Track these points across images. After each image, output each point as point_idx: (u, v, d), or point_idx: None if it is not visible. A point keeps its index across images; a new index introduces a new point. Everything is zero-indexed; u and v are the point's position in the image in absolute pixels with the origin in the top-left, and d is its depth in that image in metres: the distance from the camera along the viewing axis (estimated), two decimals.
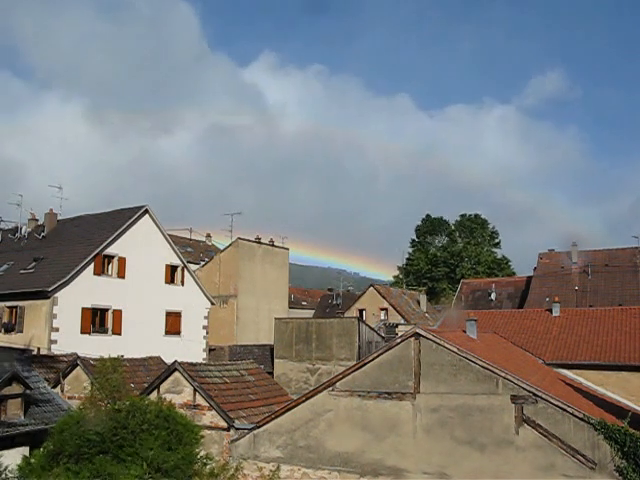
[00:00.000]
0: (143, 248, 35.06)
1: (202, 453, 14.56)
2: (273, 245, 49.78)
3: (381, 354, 16.87)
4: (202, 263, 51.08)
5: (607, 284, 43.04)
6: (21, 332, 31.21)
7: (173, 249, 37.41)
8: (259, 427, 18.09)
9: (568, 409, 14.45)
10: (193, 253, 57.63)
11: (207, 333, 38.61)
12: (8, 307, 32.27)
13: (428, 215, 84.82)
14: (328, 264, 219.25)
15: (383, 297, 58.05)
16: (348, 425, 16.96)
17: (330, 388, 17.35)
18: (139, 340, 31.85)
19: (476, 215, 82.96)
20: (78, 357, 23.22)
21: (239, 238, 46.74)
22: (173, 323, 36.45)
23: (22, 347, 28.67)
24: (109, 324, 32.87)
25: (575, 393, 19.44)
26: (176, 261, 37.38)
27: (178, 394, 19.21)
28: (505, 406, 15.08)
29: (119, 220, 34.90)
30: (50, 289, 30.23)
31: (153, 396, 18.54)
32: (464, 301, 51.01)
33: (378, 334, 32.40)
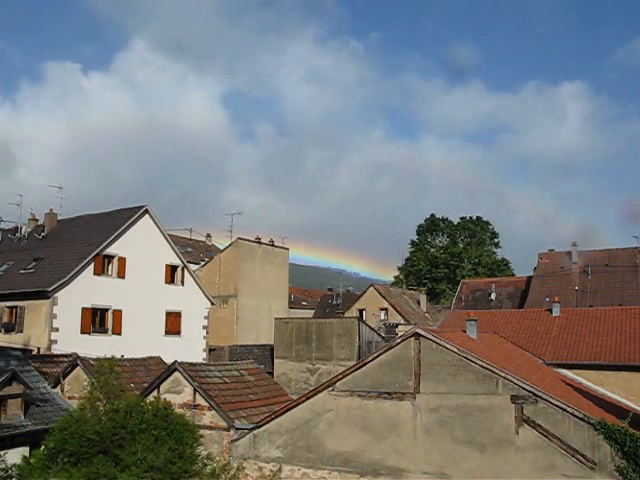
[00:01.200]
0: (143, 248, 35.06)
1: (203, 453, 14.56)
2: (273, 245, 49.78)
3: (381, 354, 16.86)
4: (202, 263, 51.10)
5: (607, 284, 43.07)
6: (21, 332, 31.21)
7: (173, 249, 37.41)
8: (259, 427, 18.09)
9: (568, 409, 14.44)
10: (193, 253, 57.66)
11: (207, 333, 38.61)
12: (8, 307, 32.27)
13: (432, 214, 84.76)
14: (329, 264, 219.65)
15: (383, 297, 58.04)
16: (348, 425, 16.95)
17: (330, 388, 17.35)
18: (139, 340, 31.85)
19: (477, 217, 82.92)
20: (78, 357, 23.20)
21: (239, 238, 46.74)
22: (173, 323, 36.45)
23: (22, 347, 28.73)
24: (109, 324, 32.86)
25: (575, 393, 19.43)
26: (176, 261, 37.38)
27: (178, 394, 19.20)
28: (505, 406, 15.07)
29: (119, 220, 34.90)
30: (50, 289, 30.22)
31: (153, 396, 18.54)
32: (464, 301, 51.05)
33: (378, 334, 32.39)
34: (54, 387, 22.53)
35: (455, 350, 15.88)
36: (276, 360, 30.71)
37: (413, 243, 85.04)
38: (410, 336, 16.48)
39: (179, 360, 19.92)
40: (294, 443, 17.60)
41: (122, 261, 33.99)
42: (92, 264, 32.43)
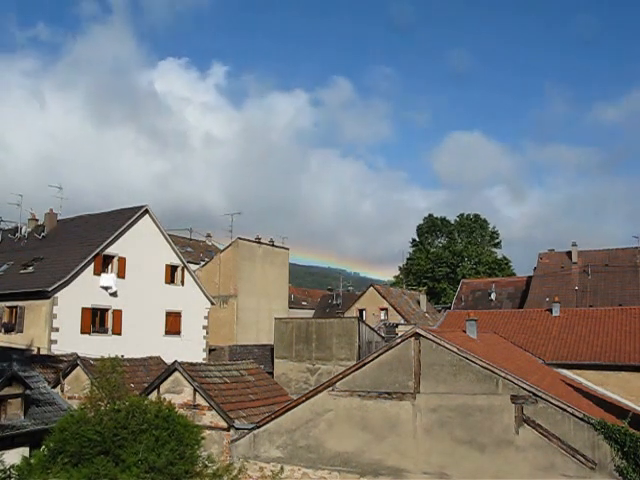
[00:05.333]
0: (143, 248, 35.06)
1: (203, 454, 14.57)
2: (273, 245, 49.77)
3: (381, 354, 16.87)
4: (202, 263, 51.08)
5: (607, 284, 43.10)
6: (21, 332, 31.20)
7: (173, 249, 37.41)
8: (259, 427, 18.10)
9: (568, 409, 14.45)
10: (193, 253, 57.64)
11: (207, 333, 38.61)
12: (8, 307, 32.26)
13: (430, 215, 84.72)
14: (328, 264, 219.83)
15: (383, 297, 58.05)
16: (348, 425, 16.96)
17: (330, 388, 17.35)
18: (139, 340, 31.85)
19: (475, 215, 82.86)
20: (78, 357, 23.23)
21: (239, 238, 46.72)
22: (173, 323, 36.45)
23: (22, 347, 28.72)
24: (109, 324, 32.87)
25: (575, 393, 19.44)
26: (176, 261, 37.38)
27: (178, 394, 19.21)
28: (505, 406, 15.08)
29: (119, 220, 34.90)
30: (50, 289, 30.22)
31: (153, 396, 18.54)
32: (464, 301, 51.06)
33: (378, 334, 32.39)
34: (54, 387, 22.56)
35: (455, 350, 15.88)
36: (276, 360, 30.70)
37: (414, 243, 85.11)
38: (410, 336, 16.48)
39: (179, 360, 19.93)
40: (294, 443, 17.60)
41: (122, 261, 33.99)
42: (92, 264, 32.43)
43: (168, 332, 35.87)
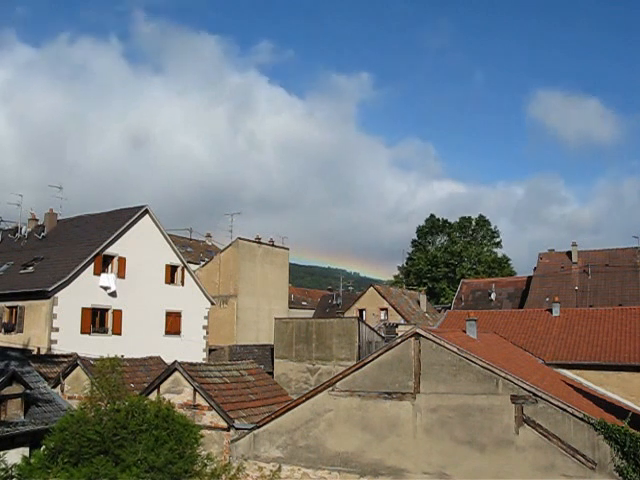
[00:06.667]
0: (143, 248, 35.06)
1: (203, 453, 14.58)
2: (273, 245, 49.79)
3: (381, 354, 16.87)
4: (202, 263, 51.12)
5: (607, 284, 43.12)
6: (21, 332, 31.21)
7: (173, 249, 37.41)
8: (259, 427, 18.09)
9: (568, 409, 14.45)
10: (193, 253, 57.69)
11: (207, 333, 38.62)
12: (8, 307, 32.27)
13: (432, 215, 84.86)
14: (328, 265, 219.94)
15: (383, 297, 58.05)
16: (348, 425, 16.95)
17: (330, 388, 17.35)
18: (139, 340, 31.85)
19: (480, 215, 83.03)
20: (78, 357, 23.22)
21: (239, 238, 46.75)
22: (173, 323, 36.45)
23: (22, 347, 28.74)
24: (109, 324, 32.87)
25: (575, 393, 19.44)
26: (176, 261, 37.38)
27: (178, 394, 19.21)
28: (505, 406, 15.07)
29: (119, 220, 34.91)
30: (50, 289, 30.23)
31: (153, 396, 18.54)
32: (464, 301, 51.08)
33: (378, 334, 32.39)
34: (54, 387, 22.56)
35: (455, 350, 15.88)
36: (276, 360, 30.70)
37: (414, 243, 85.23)
38: (410, 336, 16.48)
39: (179, 360, 19.93)
40: (294, 443, 17.60)
41: (122, 261, 33.99)
42: (92, 264, 32.43)
43: (168, 332, 35.87)
